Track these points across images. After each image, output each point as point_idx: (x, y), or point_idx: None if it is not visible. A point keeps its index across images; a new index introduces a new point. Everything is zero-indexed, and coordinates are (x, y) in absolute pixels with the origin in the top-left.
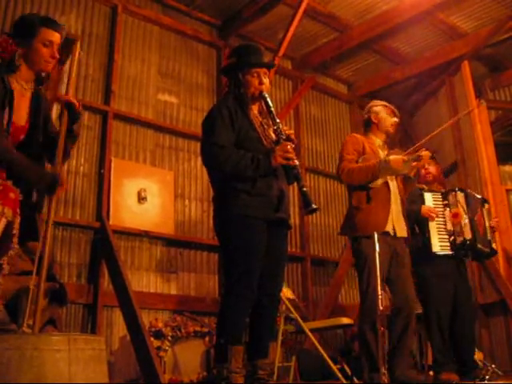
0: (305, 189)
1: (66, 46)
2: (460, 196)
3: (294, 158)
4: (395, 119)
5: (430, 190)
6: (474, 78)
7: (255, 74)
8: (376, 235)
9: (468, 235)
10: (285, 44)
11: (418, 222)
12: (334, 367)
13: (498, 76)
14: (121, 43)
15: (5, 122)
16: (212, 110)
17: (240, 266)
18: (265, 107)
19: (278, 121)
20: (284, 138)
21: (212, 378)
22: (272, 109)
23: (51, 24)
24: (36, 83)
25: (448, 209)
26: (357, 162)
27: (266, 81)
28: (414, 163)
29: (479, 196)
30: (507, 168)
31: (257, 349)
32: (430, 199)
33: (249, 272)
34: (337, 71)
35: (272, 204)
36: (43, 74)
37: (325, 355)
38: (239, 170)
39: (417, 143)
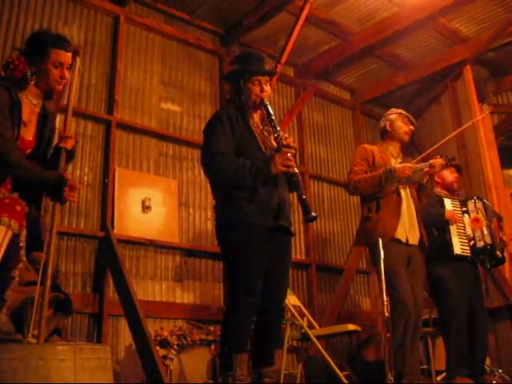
0: (304, 197)
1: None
2: (479, 204)
3: (294, 165)
4: (410, 127)
5: (447, 196)
6: (477, 82)
7: (256, 82)
8: (381, 242)
9: (489, 241)
10: (287, 51)
11: (437, 224)
12: (341, 374)
13: (501, 80)
14: (123, 53)
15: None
16: (212, 118)
17: (242, 274)
18: (266, 115)
19: (278, 128)
20: (284, 145)
21: None
22: (273, 117)
23: (62, 44)
24: (44, 98)
25: (467, 215)
26: (366, 172)
27: (267, 88)
28: (426, 169)
29: (495, 209)
30: (511, 172)
31: (262, 356)
32: (449, 204)
33: (251, 279)
34: (339, 78)
35: (273, 211)
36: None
37: (331, 362)
38: (238, 178)
39: (421, 150)
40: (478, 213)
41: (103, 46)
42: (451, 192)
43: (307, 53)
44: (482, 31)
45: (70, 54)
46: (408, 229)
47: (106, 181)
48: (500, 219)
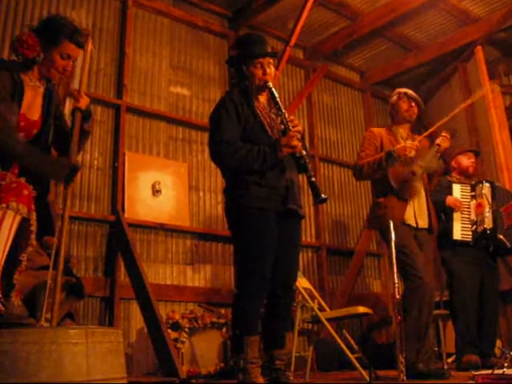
0: (313, 179)
1: None
2: (486, 187)
3: (300, 147)
4: (412, 104)
5: (459, 182)
6: (488, 63)
7: (258, 65)
8: (392, 224)
9: (489, 225)
10: (296, 33)
11: (443, 210)
12: (352, 357)
13: None
14: (132, 37)
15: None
16: (217, 106)
17: (251, 257)
18: (270, 98)
19: (283, 111)
20: (290, 128)
21: (229, 370)
22: (277, 99)
23: (76, 39)
24: (45, 81)
25: (474, 200)
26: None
27: (270, 70)
28: (435, 150)
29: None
30: None
31: (273, 339)
32: (457, 190)
33: (260, 262)
34: (349, 59)
35: (281, 195)
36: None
37: (342, 345)
38: (246, 164)
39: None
40: (482, 197)
41: (111, 30)
42: (467, 177)
43: (316, 34)
44: (492, 11)
45: (80, 50)
46: (417, 213)
47: (116, 165)
48: None
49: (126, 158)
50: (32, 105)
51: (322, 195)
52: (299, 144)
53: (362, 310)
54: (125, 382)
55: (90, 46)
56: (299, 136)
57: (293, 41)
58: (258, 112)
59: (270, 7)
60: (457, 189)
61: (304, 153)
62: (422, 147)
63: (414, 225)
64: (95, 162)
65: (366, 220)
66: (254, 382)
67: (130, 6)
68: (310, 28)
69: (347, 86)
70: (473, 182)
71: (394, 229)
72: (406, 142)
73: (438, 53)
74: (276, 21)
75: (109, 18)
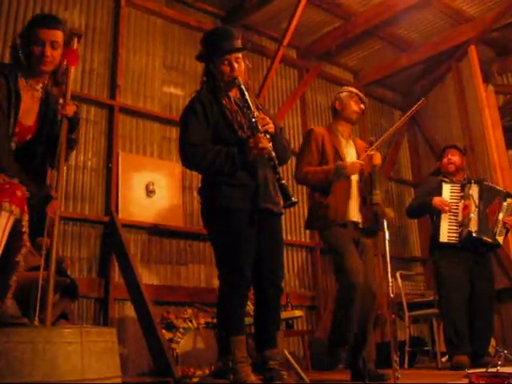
0: (282, 181)
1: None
2: (474, 188)
3: (268, 148)
4: (361, 106)
5: (450, 182)
6: (481, 62)
7: (226, 62)
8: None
9: (473, 227)
10: (289, 33)
11: (431, 212)
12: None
13: (506, 60)
14: (125, 37)
15: (11, 124)
16: (186, 107)
17: (228, 257)
18: (240, 95)
19: (252, 109)
20: (259, 128)
21: (219, 371)
22: (246, 97)
23: (43, 23)
24: (49, 83)
25: (463, 200)
26: (315, 159)
27: (238, 66)
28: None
29: (501, 188)
30: None
31: (264, 339)
32: (447, 191)
33: (237, 262)
34: (342, 59)
35: (254, 194)
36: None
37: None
38: (215, 168)
39: (425, 131)
40: (469, 199)
41: (104, 30)
42: (454, 174)
43: (310, 34)
44: (486, 10)
45: (54, 32)
46: (357, 212)
47: (110, 166)
48: (505, 197)
49: (120, 158)
50: (29, 110)
51: (293, 198)
52: (268, 145)
53: (298, 313)
54: (119, 381)
55: (75, 47)
56: (268, 136)
57: (286, 40)
58: (227, 111)
59: (263, 7)
60: (447, 189)
61: (273, 154)
62: (360, 148)
63: (357, 220)
64: (89, 163)
65: (306, 219)
66: (246, 380)
67: (123, 5)
68: (304, 28)
69: (341, 85)
70: (464, 182)
71: (332, 231)
72: (355, 161)
73: (431, 52)
74: (269, 20)
75: (102, 18)
